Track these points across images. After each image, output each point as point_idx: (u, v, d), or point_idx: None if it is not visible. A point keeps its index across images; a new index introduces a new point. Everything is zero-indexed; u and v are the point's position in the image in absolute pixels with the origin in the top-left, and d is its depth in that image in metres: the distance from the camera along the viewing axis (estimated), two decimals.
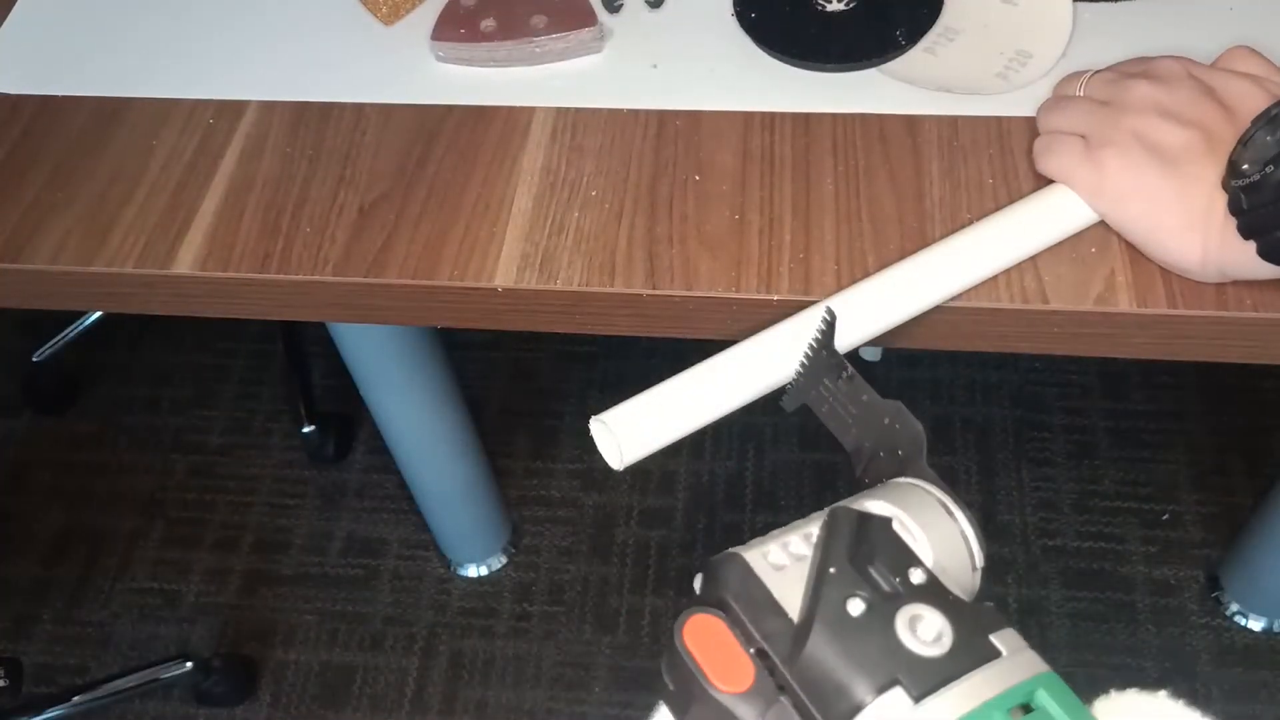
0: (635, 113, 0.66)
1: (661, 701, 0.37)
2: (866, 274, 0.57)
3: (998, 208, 0.59)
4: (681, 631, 0.35)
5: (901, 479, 0.40)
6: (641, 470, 1.47)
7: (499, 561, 1.42)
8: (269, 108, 0.68)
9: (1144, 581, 1.34)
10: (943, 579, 0.35)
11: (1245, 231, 0.50)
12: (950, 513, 0.38)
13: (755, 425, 1.50)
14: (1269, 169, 0.48)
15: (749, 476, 1.46)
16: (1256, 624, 1.30)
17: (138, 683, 1.31)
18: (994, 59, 0.65)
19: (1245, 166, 0.50)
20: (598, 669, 1.34)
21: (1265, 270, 0.51)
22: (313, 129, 0.67)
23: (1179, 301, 0.55)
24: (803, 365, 0.45)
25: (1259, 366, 0.58)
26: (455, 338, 1.56)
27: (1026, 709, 0.32)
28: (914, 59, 0.66)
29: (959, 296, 0.56)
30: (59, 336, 1.58)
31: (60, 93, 0.70)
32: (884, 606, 0.33)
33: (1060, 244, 0.57)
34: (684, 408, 0.52)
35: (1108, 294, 0.56)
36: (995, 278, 0.57)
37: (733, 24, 0.69)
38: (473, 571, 1.42)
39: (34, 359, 1.57)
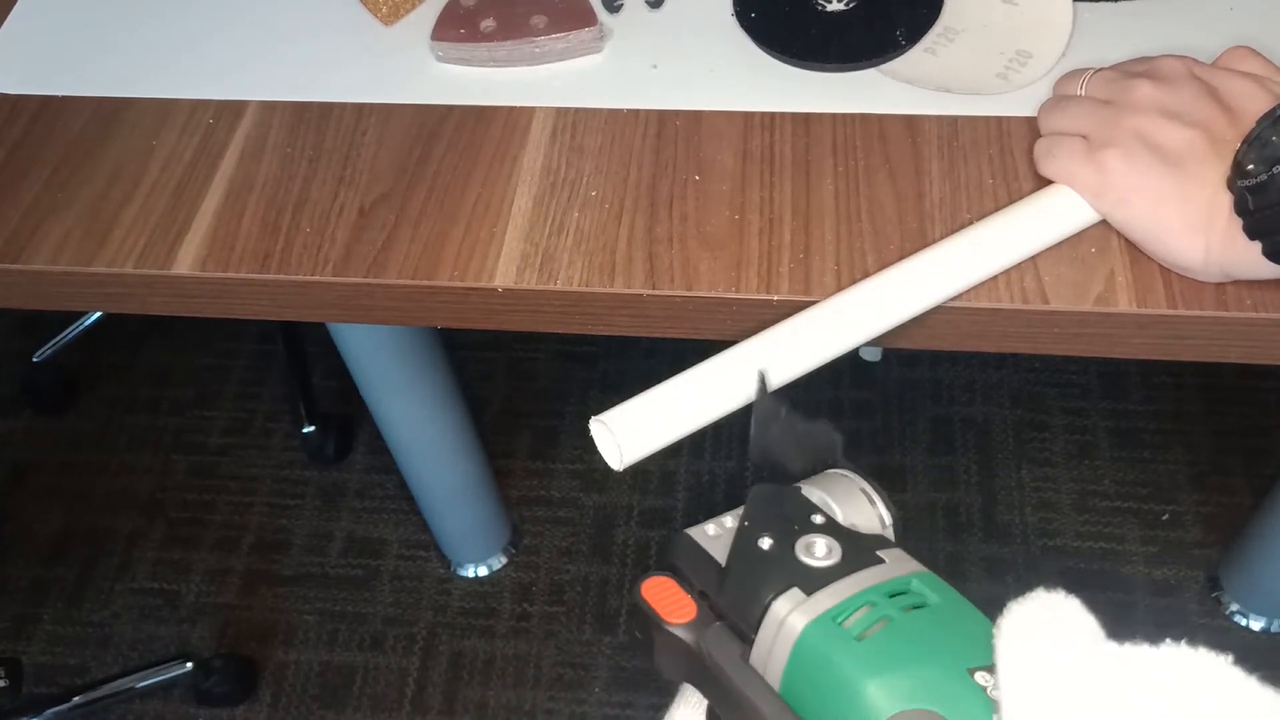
0: (635, 113, 0.65)
1: (681, 690, 0.46)
2: (866, 274, 0.57)
3: (998, 208, 0.59)
4: (641, 589, 0.44)
5: (828, 470, 0.50)
6: (641, 470, 1.46)
7: (499, 562, 1.42)
8: (269, 108, 0.68)
9: (1144, 581, 1.34)
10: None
11: (1251, 232, 0.50)
12: (849, 479, 0.48)
13: None
14: (1277, 170, 0.48)
15: (749, 477, 1.46)
16: (1256, 624, 1.30)
17: (138, 683, 1.31)
18: (994, 59, 0.65)
19: (1251, 167, 0.49)
20: (598, 669, 1.34)
21: (1268, 270, 0.51)
22: (313, 129, 0.67)
23: (1179, 302, 0.55)
24: (754, 421, 0.52)
25: (1259, 366, 0.58)
26: (455, 338, 1.56)
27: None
28: (914, 59, 0.66)
29: (959, 296, 0.56)
30: (59, 336, 1.58)
31: (60, 93, 0.70)
32: (786, 540, 0.42)
33: (1060, 244, 0.57)
34: (684, 408, 0.52)
35: (1108, 294, 0.56)
36: (995, 278, 0.57)
37: (733, 24, 0.69)
38: (473, 571, 1.42)
39: (34, 359, 1.57)
